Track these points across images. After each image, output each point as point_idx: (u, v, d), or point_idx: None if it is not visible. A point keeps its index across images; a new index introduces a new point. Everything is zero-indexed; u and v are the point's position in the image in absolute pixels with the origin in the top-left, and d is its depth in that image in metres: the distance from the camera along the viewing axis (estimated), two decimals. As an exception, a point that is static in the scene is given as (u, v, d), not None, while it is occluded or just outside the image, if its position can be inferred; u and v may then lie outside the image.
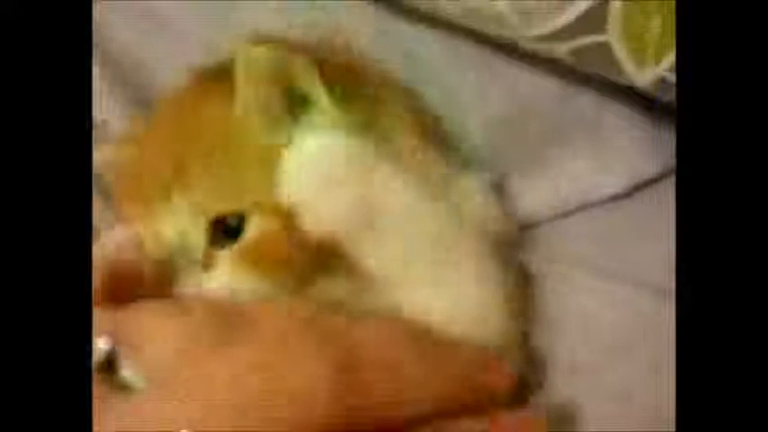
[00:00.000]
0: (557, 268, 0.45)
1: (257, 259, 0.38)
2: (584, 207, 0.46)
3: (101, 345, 0.31)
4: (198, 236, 0.38)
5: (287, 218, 0.37)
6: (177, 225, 0.38)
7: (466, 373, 0.36)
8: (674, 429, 0.32)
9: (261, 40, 0.39)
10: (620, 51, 0.40)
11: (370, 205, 0.38)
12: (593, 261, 0.45)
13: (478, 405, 0.36)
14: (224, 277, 0.38)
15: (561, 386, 0.43)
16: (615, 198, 0.46)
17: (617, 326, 0.43)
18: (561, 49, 0.42)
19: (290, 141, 0.39)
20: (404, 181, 0.39)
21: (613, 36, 0.40)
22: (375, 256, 0.38)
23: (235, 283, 0.38)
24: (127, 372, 0.31)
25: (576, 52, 0.41)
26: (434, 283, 0.39)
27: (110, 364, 0.31)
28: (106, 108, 0.47)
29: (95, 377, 0.31)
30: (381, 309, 0.38)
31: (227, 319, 0.34)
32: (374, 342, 0.34)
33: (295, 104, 0.39)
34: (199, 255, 0.38)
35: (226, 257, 0.38)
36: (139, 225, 0.39)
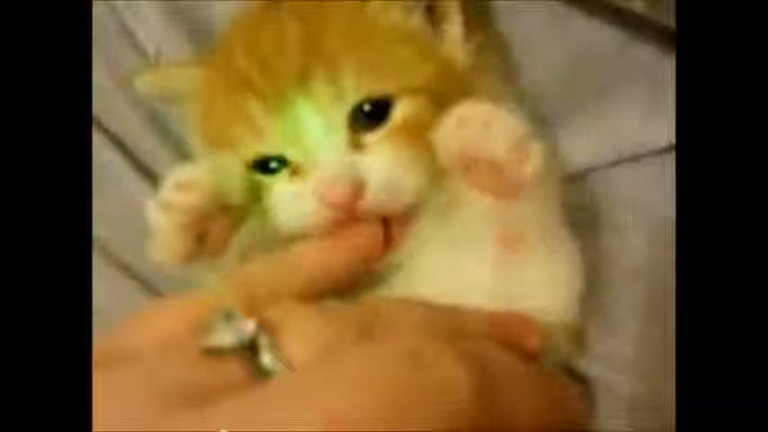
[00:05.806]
0: (608, 216, 0.46)
1: (412, 139, 0.38)
2: (636, 156, 0.47)
3: (248, 326, 0.31)
4: (341, 121, 0.39)
5: (435, 96, 0.38)
6: (319, 111, 0.38)
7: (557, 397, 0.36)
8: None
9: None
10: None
11: None
12: (644, 208, 0.46)
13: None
14: (380, 162, 0.38)
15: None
16: (668, 149, 0.47)
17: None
18: (637, -1, 0.42)
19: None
20: None
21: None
22: None
23: (393, 165, 0.38)
24: (267, 357, 0.30)
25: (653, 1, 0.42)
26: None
27: (252, 346, 0.30)
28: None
29: (238, 358, 0.30)
30: None
31: (368, 316, 0.33)
32: (505, 361, 0.34)
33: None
34: (342, 139, 0.39)
35: (378, 142, 0.39)
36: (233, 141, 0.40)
